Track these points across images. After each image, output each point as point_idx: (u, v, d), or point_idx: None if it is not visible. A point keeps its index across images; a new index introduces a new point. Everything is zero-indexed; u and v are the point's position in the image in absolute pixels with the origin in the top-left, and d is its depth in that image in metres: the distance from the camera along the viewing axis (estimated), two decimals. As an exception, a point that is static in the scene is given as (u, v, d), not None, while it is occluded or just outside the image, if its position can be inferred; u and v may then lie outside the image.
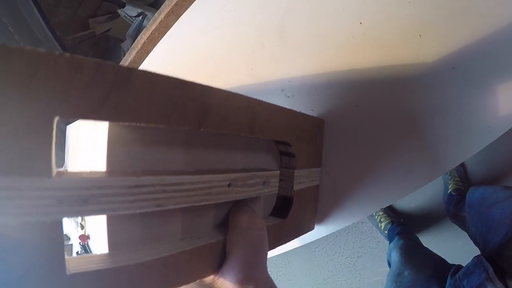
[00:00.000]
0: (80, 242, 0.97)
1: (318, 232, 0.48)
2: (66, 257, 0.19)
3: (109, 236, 0.24)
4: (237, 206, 0.33)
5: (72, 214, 0.18)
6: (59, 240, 0.19)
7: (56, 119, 0.17)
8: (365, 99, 0.43)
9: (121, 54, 2.47)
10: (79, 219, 0.39)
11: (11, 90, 0.15)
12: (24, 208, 0.17)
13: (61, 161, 0.20)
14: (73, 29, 2.53)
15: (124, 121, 0.20)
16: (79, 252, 1.00)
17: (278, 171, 0.37)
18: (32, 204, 0.17)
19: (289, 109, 0.36)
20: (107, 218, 0.23)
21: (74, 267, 0.20)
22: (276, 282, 0.32)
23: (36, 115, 0.16)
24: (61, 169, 0.29)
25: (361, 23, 0.45)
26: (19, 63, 0.15)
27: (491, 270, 0.58)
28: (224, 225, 0.32)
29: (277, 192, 0.37)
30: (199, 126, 0.25)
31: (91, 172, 0.22)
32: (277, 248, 0.38)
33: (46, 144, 0.17)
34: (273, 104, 0.33)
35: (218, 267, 0.29)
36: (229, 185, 0.29)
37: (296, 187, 0.39)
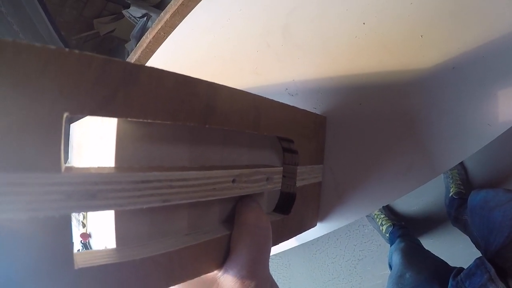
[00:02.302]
0: (81, 241, 0.98)
1: (320, 229, 0.49)
2: (74, 251, 0.19)
3: (117, 231, 0.24)
4: (244, 202, 0.33)
5: (80, 209, 0.19)
6: (68, 234, 0.19)
7: (65, 115, 0.17)
8: (367, 98, 0.44)
9: (125, 54, 2.48)
10: (81, 217, 0.39)
11: (22, 87, 0.16)
12: (33, 203, 0.17)
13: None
14: (78, 29, 2.54)
15: (131, 117, 0.20)
16: (80, 250, 1.00)
17: (281, 168, 0.37)
18: (41, 199, 0.17)
19: (292, 106, 0.37)
20: (115, 213, 0.24)
21: (82, 262, 0.20)
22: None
23: (46, 111, 0.17)
24: (69, 165, 0.30)
25: (364, 23, 0.45)
26: (29, 60, 0.16)
27: (493, 271, 0.59)
28: (229, 220, 0.33)
29: (280, 188, 0.37)
30: (205, 122, 0.25)
31: (99, 168, 0.23)
32: (278, 245, 0.38)
33: (56, 140, 0.17)
34: (277, 101, 0.34)
35: (222, 262, 0.29)
36: (233, 181, 0.30)
37: (299, 184, 0.39)
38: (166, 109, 0.22)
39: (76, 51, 0.17)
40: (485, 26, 0.36)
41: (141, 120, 0.21)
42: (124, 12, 2.30)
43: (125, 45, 2.44)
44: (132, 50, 0.89)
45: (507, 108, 0.35)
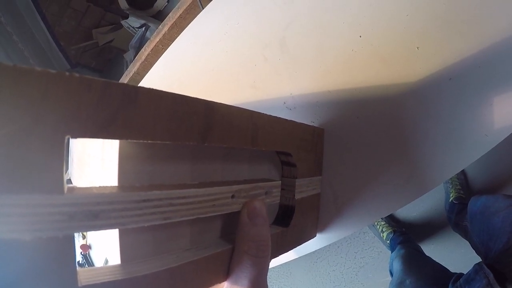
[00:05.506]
0: (81, 252, 0.97)
1: (320, 241, 0.49)
2: (78, 269, 0.20)
3: (121, 248, 0.24)
4: (246, 222, 0.31)
5: (83, 229, 0.19)
6: (71, 253, 0.19)
7: (66, 137, 0.18)
8: (364, 111, 0.44)
9: (123, 64, 2.49)
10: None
11: (24, 112, 0.16)
12: (37, 224, 0.17)
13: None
14: (77, 39, 2.55)
15: (131, 139, 0.21)
16: (81, 262, 1.00)
17: (280, 181, 0.37)
18: (45, 220, 0.17)
19: (290, 120, 0.37)
20: (119, 230, 0.24)
21: (85, 279, 0.20)
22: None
23: (48, 134, 0.17)
24: (71, 185, 0.30)
25: (360, 36, 0.46)
26: (30, 84, 0.16)
27: (491, 276, 0.59)
28: (230, 233, 0.33)
29: (279, 201, 0.38)
30: (203, 141, 0.26)
31: (100, 188, 0.23)
32: (277, 257, 0.38)
33: (58, 162, 0.18)
34: (274, 116, 0.34)
35: (224, 276, 0.29)
36: (232, 197, 0.30)
37: (298, 196, 0.39)
38: (165, 129, 0.23)
39: (77, 75, 0.18)
40: (481, 35, 0.37)
41: (141, 141, 0.21)
42: (122, 22, 2.32)
43: (124, 55, 2.45)
44: (130, 60, 0.90)
45: (504, 118, 0.36)
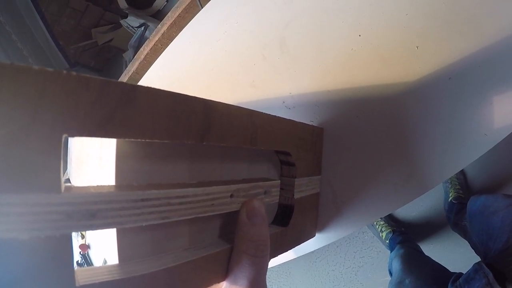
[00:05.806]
0: (80, 252, 0.97)
1: (319, 241, 0.49)
2: (75, 269, 0.20)
3: (119, 248, 0.24)
4: (245, 221, 0.31)
5: (80, 228, 0.19)
6: (68, 253, 0.19)
7: (64, 136, 0.18)
8: (364, 110, 0.44)
9: (122, 64, 2.48)
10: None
11: (21, 110, 0.16)
12: (34, 223, 0.17)
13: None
14: (76, 38, 2.54)
15: (129, 138, 0.21)
16: (79, 262, 1.00)
17: (279, 181, 0.37)
18: (42, 219, 0.17)
19: (289, 119, 0.37)
20: (117, 230, 0.24)
21: (83, 279, 0.20)
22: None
23: (45, 133, 0.17)
24: (69, 184, 0.30)
25: (360, 35, 0.46)
26: (28, 82, 0.16)
27: (491, 275, 0.59)
28: (229, 233, 0.33)
29: (278, 201, 0.38)
30: (202, 140, 0.26)
31: (98, 187, 0.23)
32: (276, 257, 0.38)
33: (55, 161, 0.18)
34: (273, 115, 0.34)
35: (222, 277, 0.29)
36: (231, 196, 0.30)
37: (297, 195, 0.39)
38: (163, 128, 0.23)
39: (74, 73, 0.18)
40: (481, 34, 0.37)
41: (139, 140, 0.21)
42: (122, 21, 2.31)
43: (123, 54, 2.45)
44: (129, 59, 0.90)
45: (503, 118, 0.36)
